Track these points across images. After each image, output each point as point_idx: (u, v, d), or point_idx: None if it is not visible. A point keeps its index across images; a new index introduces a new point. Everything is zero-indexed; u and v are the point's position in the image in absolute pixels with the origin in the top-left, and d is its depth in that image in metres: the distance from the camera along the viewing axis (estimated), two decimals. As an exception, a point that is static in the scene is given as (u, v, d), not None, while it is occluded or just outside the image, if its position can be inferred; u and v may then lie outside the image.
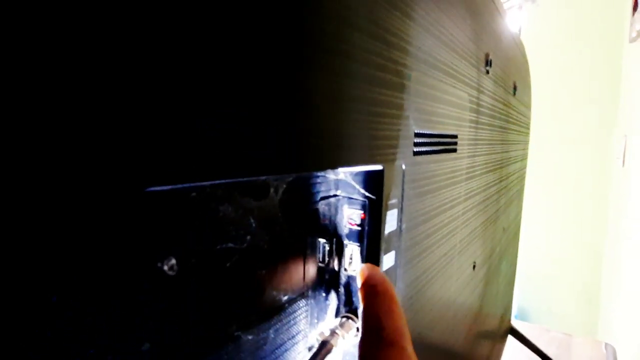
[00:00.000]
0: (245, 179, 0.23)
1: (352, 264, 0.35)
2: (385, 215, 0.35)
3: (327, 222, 0.35)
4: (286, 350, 0.31)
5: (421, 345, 0.48)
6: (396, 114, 0.36)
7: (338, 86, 0.28)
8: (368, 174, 0.34)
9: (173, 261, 0.21)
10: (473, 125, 0.61)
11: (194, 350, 0.23)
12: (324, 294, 0.35)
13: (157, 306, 0.21)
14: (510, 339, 1.32)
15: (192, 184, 0.20)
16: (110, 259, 0.17)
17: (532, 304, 2.45)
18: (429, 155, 0.45)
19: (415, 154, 0.41)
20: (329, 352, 0.31)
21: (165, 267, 0.21)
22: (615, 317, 1.79)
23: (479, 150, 0.66)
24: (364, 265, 0.32)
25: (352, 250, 0.35)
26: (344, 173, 0.34)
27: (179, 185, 0.18)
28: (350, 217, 0.35)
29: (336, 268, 0.35)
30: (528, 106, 1.24)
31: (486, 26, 0.64)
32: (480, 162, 0.68)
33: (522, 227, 1.38)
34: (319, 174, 0.33)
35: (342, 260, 0.35)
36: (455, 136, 0.53)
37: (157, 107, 0.16)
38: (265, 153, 0.22)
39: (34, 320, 0.14)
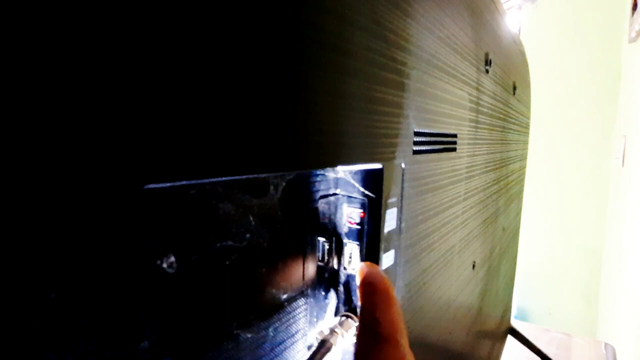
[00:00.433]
0: (244, 176, 0.23)
1: (352, 262, 0.35)
2: (384, 214, 0.35)
3: (326, 220, 0.35)
4: (285, 349, 0.31)
5: (421, 345, 0.48)
6: (396, 113, 0.36)
7: (338, 84, 0.28)
8: (368, 172, 0.34)
9: (172, 259, 0.21)
10: (473, 124, 0.61)
11: (193, 349, 0.23)
12: (323, 293, 0.35)
13: (155, 304, 0.20)
14: (510, 339, 1.32)
15: (191, 182, 0.20)
16: (109, 256, 0.17)
17: (532, 304, 2.45)
18: (428, 155, 0.45)
19: (415, 152, 0.41)
20: (328, 350, 0.31)
21: (165, 265, 0.21)
22: (614, 317, 1.79)
23: (478, 149, 0.66)
24: (362, 263, 0.32)
25: (352, 249, 0.35)
26: (344, 171, 0.34)
27: (178, 183, 0.18)
28: (349, 216, 0.35)
29: (335, 267, 0.35)
30: (528, 106, 1.24)
31: (486, 26, 0.64)
32: (479, 162, 0.68)
33: (522, 227, 1.38)
34: (318, 172, 0.33)
35: (342, 259, 0.35)
36: (455, 135, 0.53)
37: (156, 103, 0.16)
38: (264, 150, 0.22)
39: (33, 317, 0.14)
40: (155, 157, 0.16)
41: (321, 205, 0.34)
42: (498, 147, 0.82)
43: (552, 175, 2.36)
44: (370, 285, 0.27)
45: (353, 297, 0.35)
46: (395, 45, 0.35)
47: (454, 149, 0.53)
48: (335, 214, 0.35)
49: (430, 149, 0.45)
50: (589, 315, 2.30)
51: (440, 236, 0.52)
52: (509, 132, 0.94)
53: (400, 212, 0.38)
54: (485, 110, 0.67)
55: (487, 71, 0.65)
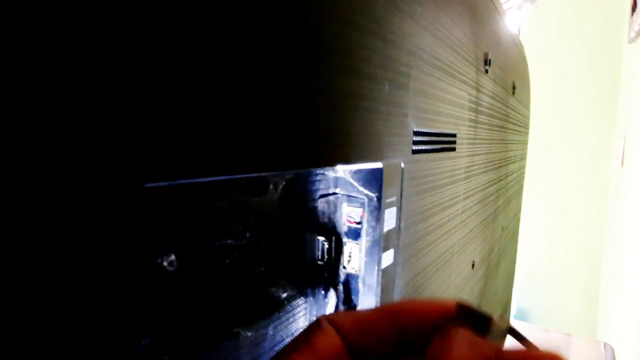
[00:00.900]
0: (244, 175, 0.23)
1: (351, 261, 0.35)
2: (384, 213, 0.35)
3: (326, 220, 0.35)
4: (285, 348, 0.31)
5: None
6: (395, 112, 0.36)
7: (337, 84, 0.28)
8: (367, 171, 0.34)
9: (172, 257, 0.21)
10: (472, 124, 0.61)
11: (193, 346, 0.23)
12: (323, 292, 0.35)
13: (156, 302, 0.21)
14: (509, 339, 1.31)
15: (191, 181, 0.20)
16: (110, 254, 0.17)
17: (531, 303, 2.45)
18: (428, 154, 0.45)
19: (414, 152, 0.41)
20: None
21: (165, 263, 0.21)
22: (614, 317, 1.79)
23: (478, 149, 0.66)
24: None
25: (351, 248, 0.35)
26: (343, 171, 0.34)
27: (179, 182, 0.18)
28: (349, 215, 0.35)
29: (335, 266, 0.35)
30: (527, 106, 1.24)
31: (485, 26, 0.65)
32: (479, 161, 0.68)
33: (521, 226, 1.38)
34: (317, 171, 0.33)
35: (341, 258, 0.35)
36: (454, 135, 0.53)
37: (157, 103, 0.16)
38: (264, 149, 0.22)
39: (35, 314, 0.14)
40: (156, 156, 0.17)
41: (321, 204, 0.34)
42: (497, 147, 0.82)
43: (551, 175, 2.37)
44: None
45: (352, 297, 0.35)
46: (395, 44, 0.35)
47: (454, 149, 0.54)
48: (334, 213, 0.35)
49: (429, 149, 0.45)
50: (588, 315, 2.30)
51: (440, 235, 0.52)
52: (509, 132, 0.94)
53: (399, 211, 0.38)
54: (484, 110, 0.67)
55: (486, 71, 0.65)
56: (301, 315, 0.33)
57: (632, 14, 1.85)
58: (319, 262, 0.34)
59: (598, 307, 2.29)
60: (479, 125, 0.65)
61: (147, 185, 0.17)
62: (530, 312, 2.49)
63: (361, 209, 0.35)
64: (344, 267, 0.35)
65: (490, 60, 0.65)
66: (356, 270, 0.35)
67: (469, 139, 0.60)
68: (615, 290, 1.84)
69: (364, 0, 0.30)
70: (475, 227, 0.70)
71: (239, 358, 0.27)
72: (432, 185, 0.47)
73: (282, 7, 0.22)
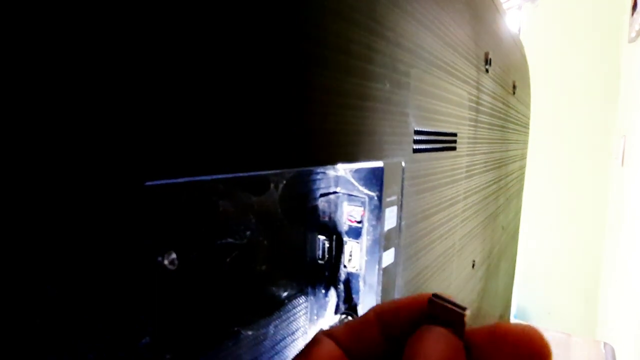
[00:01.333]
0: (245, 174, 0.23)
1: (352, 260, 0.35)
2: (384, 212, 0.35)
3: (326, 219, 0.35)
4: (286, 347, 0.31)
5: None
6: (396, 111, 0.36)
7: (338, 82, 0.28)
8: (368, 170, 0.34)
9: (173, 255, 0.21)
10: (472, 123, 0.61)
11: (193, 345, 0.23)
12: (323, 291, 0.35)
13: (156, 300, 0.21)
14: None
15: (192, 179, 0.20)
16: (110, 253, 0.17)
17: (531, 303, 2.45)
18: (428, 153, 0.45)
19: (415, 151, 0.41)
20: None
21: (166, 262, 0.21)
22: (614, 317, 1.79)
23: (478, 148, 0.66)
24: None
25: (352, 247, 0.35)
26: (344, 170, 0.34)
27: (179, 180, 0.18)
28: (350, 214, 0.35)
29: (336, 265, 0.35)
30: (527, 106, 1.24)
31: (486, 25, 0.65)
32: (479, 161, 0.68)
33: (522, 226, 1.38)
34: (318, 170, 0.33)
35: (342, 257, 0.35)
36: (454, 134, 0.53)
37: (157, 101, 0.16)
38: (265, 148, 0.22)
39: (34, 313, 0.14)
40: (156, 154, 0.17)
41: (321, 203, 0.34)
42: (498, 147, 0.82)
43: (551, 175, 2.37)
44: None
45: (353, 296, 0.35)
46: (395, 43, 0.35)
47: (454, 148, 0.53)
48: (335, 212, 0.35)
49: (430, 148, 0.45)
50: (588, 315, 2.30)
51: (440, 234, 0.52)
52: (509, 132, 0.94)
53: (400, 210, 0.38)
54: (485, 109, 0.67)
55: (487, 70, 0.65)
56: (302, 314, 0.33)
57: (633, 13, 1.85)
58: (320, 261, 0.34)
59: (598, 307, 2.29)
60: (479, 125, 0.65)
61: (147, 183, 0.17)
62: (530, 312, 2.49)
63: (362, 208, 0.35)
64: (345, 266, 0.35)
65: (490, 59, 0.65)
66: (357, 269, 0.35)
67: (469, 138, 0.60)
68: (615, 290, 1.84)
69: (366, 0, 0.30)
70: (475, 227, 0.70)
71: (240, 357, 0.26)
72: (433, 185, 0.47)
73: (282, 5, 0.22)
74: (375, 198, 0.34)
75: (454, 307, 0.15)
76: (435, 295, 0.15)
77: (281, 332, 0.30)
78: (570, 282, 2.40)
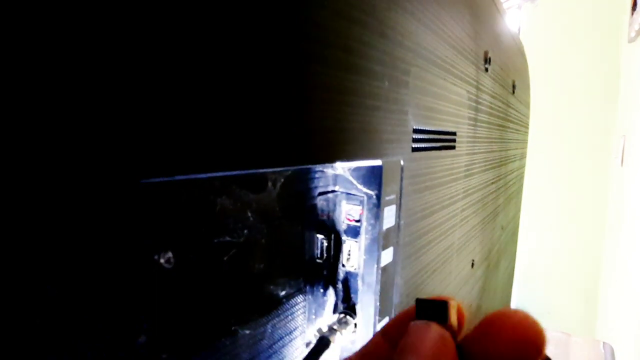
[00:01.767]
0: (243, 172, 0.23)
1: (350, 260, 0.35)
2: (383, 211, 0.35)
3: (325, 217, 0.35)
4: (284, 346, 0.31)
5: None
6: (395, 109, 0.36)
7: (337, 80, 0.28)
8: (367, 169, 0.34)
9: (170, 254, 0.21)
10: (472, 122, 0.61)
11: (190, 344, 0.23)
12: (321, 290, 0.35)
13: (153, 299, 0.20)
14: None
15: (189, 177, 0.20)
16: (106, 251, 0.17)
17: (531, 303, 2.45)
18: (427, 152, 0.45)
19: (414, 150, 0.41)
20: (326, 348, 0.31)
21: (162, 260, 0.21)
22: (613, 317, 1.79)
23: (477, 147, 0.66)
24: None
25: (350, 246, 0.35)
26: (343, 168, 0.34)
27: (175, 178, 0.18)
28: (348, 213, 0.35)
29: (334, 264, 0.35)
30: (527, 105, 1.24)
31: (485, 24, 0.64)
32: (479, 160, 0.68)
33: (521, 226, 1.38)
34: (316, 168, 0.33)
35: (340, 256, 0.35)
36: (454, 133, 0.53)
37: (154, 98, 0.16)
38: (262, 145, 0.22)
39: (31, 311, 0.14)
40: (152, 152, 0.16)
41: (320, 202, 0.34)
42: (497, 146, 0.82)
43: (551, 174, 2.36)
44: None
45: (352, 295, 0.35)
46: (395, 41, 0.35)
47: (453, 147, 0.53)
48: (334, 211, 0.35)
49: (429, 147, 0.45)
50: (587, 314, 2.30)
51: (439, 234, 0.52)
52: (508, 131, 0.93)
53: (399, 209, 0.38)
54: (484, 108, 0.67)
55: (486, 70, 0.65)
56: (300, 314, 0.33)
57: (632, 13, 1.85)
58: (318, 260, 0.34)
59: (597, 307, 2.29)
60: (478, 124, 0.65)
61: (143, 181, 0.17)
62: (530, 311, 2.49)
63: (360, 207, 0.34)
64: (343, 265, 0.35)
65: (490, 58, 0.65)
66: (355, 269, 0.35)
67: (468, 137, 0.60)
68: (615, 289, 1.84)
69: (363, -4, 0.30)
70: (475, 226, 0.70)
71: (237, 356, 0.26)
72: (432, 184, 0.47)
73: (281, 3, 0.22)
74: (374, 197, 0.34)
75: (435, 299, 0.15)
76: (419, 298, 0.15)
77: (279, 331, 0.30)
78: (570, 281, 2.40)
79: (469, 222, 0.66)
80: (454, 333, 0.15)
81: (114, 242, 0.17)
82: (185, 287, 0.22)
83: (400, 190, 0.38)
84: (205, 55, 0.18)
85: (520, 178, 1.27)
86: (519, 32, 2.35)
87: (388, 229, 0.36)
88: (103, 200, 0.16)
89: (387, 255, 0.37)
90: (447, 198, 0.53)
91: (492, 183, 0.81)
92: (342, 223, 0.35)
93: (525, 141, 1.30)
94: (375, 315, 0.35)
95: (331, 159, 0.28)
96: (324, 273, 0.35)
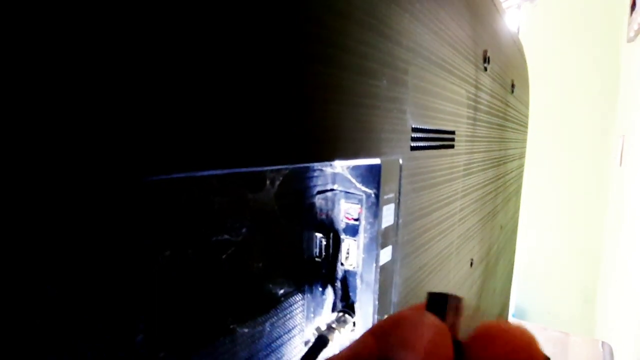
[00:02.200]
0: (241, 170, 0.23)
1: (349, 258, 0.35)
2: (382, 209, 0.35)
3: (323, 216, 0.35)
4: (282, 345, 0.31)
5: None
6: (394, 108, 0.36)
7: (335, 78, 0.28)
8: (365, 168, 0.34)
9: (168, 252, 0.21)
10: (471, 121, 0.61)
11: (188, 343, 0.23)
12: (320, 289, 0.35)
13: (151, 297, 0.20)
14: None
15: (189, 174, 0.20)
16: (105, 249, 0.17)
17: (530, 302, 2.45)
18: (426, 151, 0.45)
19: (413, 148, 0.41)
20: (325, 346, 0.31)
21: (160, 258, 0.21)
22: (612, 316, 1.80)
23: (476, 147, 0.66)
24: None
25: (349, 244, 0.35)
26: (341, 167, 0.34)
27: (177, 175, 0.18)
28: (347, 212, 0.35)
29: (333, 263, 0.35)
30: (526, 105, 1.24)
31: (485, 24, 0.64)
32: (477, 159, 0.68)
33: (520, 225, 1.38)
34: (315, 167, 0.33)
35: (339, 254, 0.35)
36: (452, 132, 0.53)
37: (155, 98, 0.16)
38: (261, 144, 0.22)
39: (30, 310, 0.14)
40: (153, 150, 0.16)
41: (318, 200, 0.34)
42: (496, 145, 0.82)
43: (550, 174, 2.37)
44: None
45: (350, 294, 0.35)
46: (394, 40, 0.35)
47: (452, 146, 0.53)
48: (332, 209, 0.35)
49: (428, 146, 0.45)
50: (586, 314, 2.30)
51: (438, 233, 0.52)
52: (508, 130, 0.94)
53: (397, 208, 0.38)
54: (483, 107, 0.67)
55: (485, 69, 0.65)
56: (298, 312, 0.33)
57: (631, 13, 1.85)
58: (317, 259, 0.34)
59: (596, 306, 2.29)
60: (477, 123, 0.65)
61: (144, 179, 0.17)
62: (529, 311, 2.49)
63: (359, 206, 0.34)
64: (342, 264, 0.35)
65: (489, 57, 0.65)
66: (354, 267, 0.35)
67: (467, 136, 0.60)
68: (614, 289, 1.84)
69: (362, -6, 0.30)
70: (473, 225, 0.70)
71: (236, 355, 0.26)
72: (431, 183, 0.47)
73: (281, 3, 0.22)
74: (373, 195, 0.34)
75: (439, 293, 0.15)
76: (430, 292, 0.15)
77: (278, 330, 0.30)
78: (568, 281, 2.40)
79: (468, 221, 0.66)
80: (454, 327, 0.14)
81: (113, 240, 0.17)
82: (184, 285, 0.22)
83: (399, 189, 0.38)
84: (205, 55, 0.18)
85: (519, 177, 1.27)
86: (518, 32, 2.35)
87: (387, 228, 0.36)
88: (101, 198, 0.16)
89: (385, 254, 0.37)
90: (446, 197, 0.53)
91: (491, 182, 0.81)
92: (341, 222, 0.35)
93: (524, 140, 1.30)
94: (373, 314, 0.35)
95: (330, 158, 0.28)
96: (322, 272, 0.35)
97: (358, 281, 0.35)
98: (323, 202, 0.34)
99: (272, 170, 0.28)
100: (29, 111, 0.13)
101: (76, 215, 0.15)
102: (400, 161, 0.38)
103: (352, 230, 0.35)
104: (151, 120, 0.16)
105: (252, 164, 0.22)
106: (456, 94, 0.52)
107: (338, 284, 0.35)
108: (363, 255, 0.35)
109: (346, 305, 0.35)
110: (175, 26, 0.17)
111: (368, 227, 0.34)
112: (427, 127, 0.44)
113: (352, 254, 0.35)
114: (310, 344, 0.31)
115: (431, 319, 0.14)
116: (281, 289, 0.30)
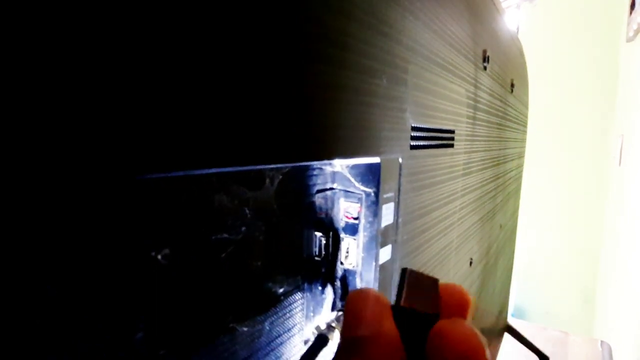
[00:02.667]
0: (240, 168, 0.23)
1: (348, 257, 0.35)
2: (381, 208, 0.35)
3: (323, 215, 0.34)
4: (282, 343, 0.31)
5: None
6: (393, 107, 0.36)
7: (335, 77, 0.27)
8: (365, 167, 0.34)
9: (167, 250, 0.21)
10: (470, 121, 0.61)
11: (188, 341, 0.23)
12: (320, 288, 0.35)
13: (150, 296, 0.20)
14: (507, 337, 1.32)
15: (186, 173, 0.20)
16: (103, 247, 0.17)
17: (529, 302, 2.45)
18: (426, 150, 0.45)
19: (412, 147, 0.41)
20: (324, 345, 0.31)
21: (159, 257, 0.21)
22: (611, 315, 1.80)
23: (476, 146, 0.66)
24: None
25: (349, 243, 0.35)
26: (341, 166, 0.34)
27: (172, 174, 0.18)
28: (346, 211, 0.35)
29: (332, 262, 0.35)
30: (526, 104, 1.24)
31: (484, 23, 0.64)
32: (477, 158, 0.68)
33: (520, 225, 1.38)
34: (315, 166, 0.33)
35: (339, 253, 0.35)
36: (452, 131, 0.53)
37: (151, 95, 0.16)
38: (260, 142, 0.22)
39: (29, 308, 0.14)
40: (148, 148, 0.16)
41: (318, 199, 0.34)
42: (495, 144, 0.82)
43: (549, 173, 2.37)
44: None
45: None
46: (394, 39, 0.35)
47: (452, 145, 0.53)
48: (332, 208, 0.35)
49: (427, 145, 0.45)
50: (585, 313, 2.30)
51: (438, 232, 0.52)
52: (507, 130, 0.94)
53: (397, 207, 0.38)
54: (483, 107, 0.67)
55: (485, 68, 0.65)
56: (298, 311, 0.33)
57: (631, 12, 1.85)
58: (316, 258, 0.34)
59: (595, 306, 2.30)
60: (477, 122, 0.65)
61: (138, 177, 0.17)
62: (528, 311, 2.50)
63: (358, 205, 0.34)
64: (342, 263, 0.35)
65: (488, 57, 0.65)
66: (354, 266, 0.35)
67: (467, 135, 0.60)
68: (613, 288, 1.84)
69: (361, -7, 0.30)
70: (473, 225, 0.70)
71: (236, 353, 0.26)
72: (430, 182, 0.47)
73: (281, 2, 0.22)
74: (372, 194, 0.34)
75: (403, 269, 0.16)
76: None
77: (277, 328, 0.30)
78: (568, 280, 2.41)
79: (467, 221, 0.66)
80: (413, 300, 0.15)
81: (111, 238, 0.17)
82: (183, 284, 0.22)
83: (399, 188, 0.38)
84: (204, 54, 0.18)
85: (518, 177, 1.27)
86: (518, 32, 2.35)
87: (386, 227, 0.36)
88: (99, 196, 0.16)
89: (385, 253, 0.37)
90: (445, 196, 0.53)
91: (491, 181, 0.81)
92: (341, 221, 0.35)
93: (523, 140, 1.30)
94: (373, 313, 0.34)
95: (329, 156, 0.28)
96: (322, 271, 0.35)
97: (357, 280, 0.35)
98: (322, 201, 0.34)
99: (271, 169, 0.28)
100: (24, 109, 0.13)
101: (76, 214, 0.15)
102: (400, 160, 0.38)
103: (352, 229, 0.35)
104: (149, 118, 0.16)
105: (252, 162, 0.22)
106: (456, 93, 0.52)
107: (338, 283, 0.35)
108: (362, 254, 0.35)
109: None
110: (174, 23, 0.17)
111: (367, 226, 0.34)
112: (427, 126, 0.44)
113: (352, 253, 0.35)
114: (310, 343, 0.31)
115: (368, 292, 0.15)
116: (281, 287, 0.30)
